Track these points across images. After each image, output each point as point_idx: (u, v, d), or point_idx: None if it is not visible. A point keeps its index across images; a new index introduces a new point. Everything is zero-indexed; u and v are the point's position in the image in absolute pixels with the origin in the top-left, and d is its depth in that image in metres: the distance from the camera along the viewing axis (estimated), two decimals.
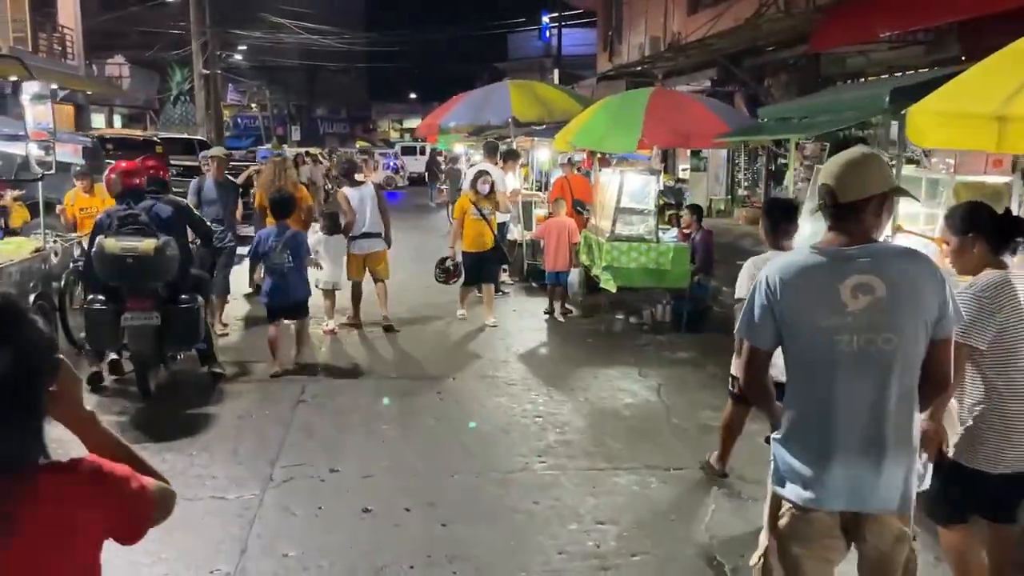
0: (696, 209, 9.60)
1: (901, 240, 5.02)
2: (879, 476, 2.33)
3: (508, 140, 11.41)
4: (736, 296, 4.42)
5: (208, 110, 22.25)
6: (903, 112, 4.14)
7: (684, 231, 9.22)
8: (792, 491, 2.41)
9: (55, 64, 20.48)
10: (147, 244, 5.63)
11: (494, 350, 7.75)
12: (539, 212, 11.04)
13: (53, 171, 7.25)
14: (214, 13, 25.16)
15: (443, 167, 25.32)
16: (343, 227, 7.98)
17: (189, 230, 6.49)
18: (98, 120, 37.46)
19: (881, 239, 2.55)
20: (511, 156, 10.21)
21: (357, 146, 47.17)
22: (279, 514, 4.37)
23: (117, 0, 30.53)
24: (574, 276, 9.90)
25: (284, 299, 6.71)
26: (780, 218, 4.35)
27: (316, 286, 7.63)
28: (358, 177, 9.04)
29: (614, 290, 8.36)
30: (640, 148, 8.60)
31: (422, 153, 35.49)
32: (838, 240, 2.39)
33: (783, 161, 16.57)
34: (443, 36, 46.81)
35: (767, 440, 2.57)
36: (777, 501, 2.49)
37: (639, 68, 19.11)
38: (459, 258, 8.86)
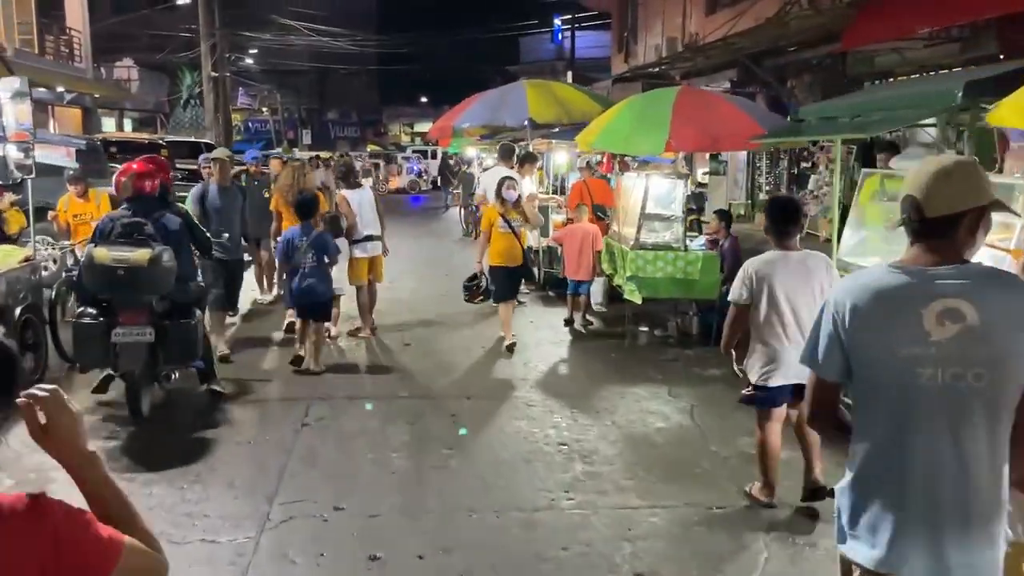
0: (724, 215, 9.07)
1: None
2: (961, 548, 1.97)
3: (524, 142, 10.92)
4: (730, 298, 4.37)
5: (217, 113, 21.85)
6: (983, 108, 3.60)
7: (711, 238, 8.70)
8: (861, 551, 2.07)
9: (62, 67, 20.14)
10: (140, 255, 5.15)
11: (512, 365, 7.24)
12: (556, 217, 10.54)
13: (32, 175, 6.78)
14: (224, 15, 24.85)
15: (455, 170, 24.89)
16: (345, 230, 7.72)
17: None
18: (108, 124, 37.21)
19: (974, 259, 2.08)
20: (528, 160, 9.71)
21: (368, 149, 46.88)
22: (276, 562, 3.86)
23: (127, 3, 30.30)
24: (597, 286, 9.38)
25: (308, 298, 6.79)
26: (780, 218, 4.24)
27: None
28: (372, 181, 8.63)
29: (639, 301, 7.84)
30: (667, 151, 8.08)
31: (433, 157, 35.06)
32: (923, 259, 2.04)
33: (806, 165, 16.02)
34: (454, 39, 46.46)
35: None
36: (847, 564, 2.13)
37: (656, 69, 18.59)
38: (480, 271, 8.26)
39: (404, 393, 6.44)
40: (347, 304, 8.45)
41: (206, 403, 6.06)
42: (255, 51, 41.41)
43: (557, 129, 10.88)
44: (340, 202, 7.98)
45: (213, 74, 21.46)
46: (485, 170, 12.83)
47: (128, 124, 37.46)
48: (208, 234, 6.12)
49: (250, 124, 49.58)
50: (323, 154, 25.80)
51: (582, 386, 6.73)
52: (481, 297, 8.00)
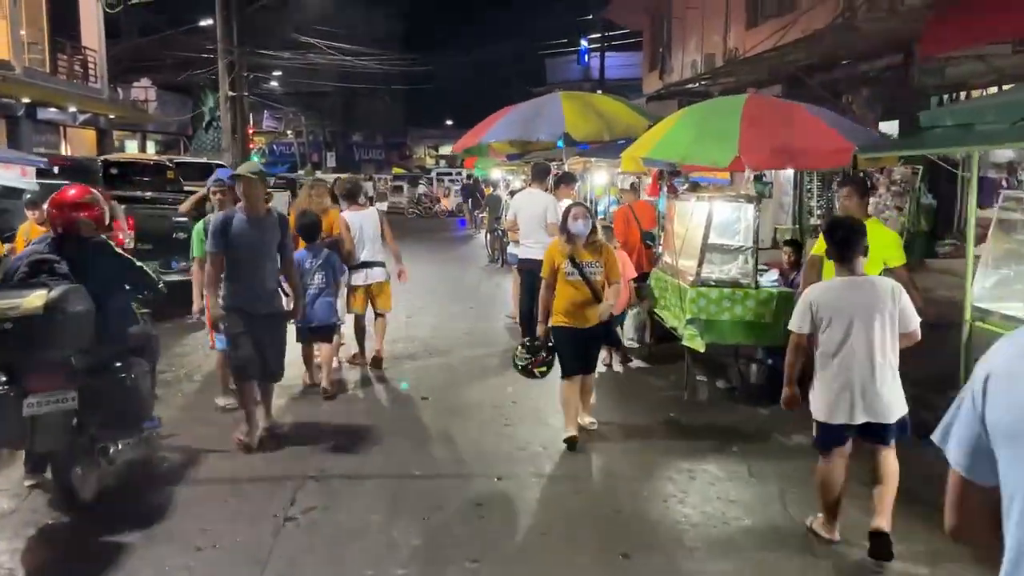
0: (795, 245, 7.72)
1: None
2: None
3: (557, 161, 9.64)
4: (789, 326, 4.09)
5: (235, 134, 20.84)
6: None
7: (782, 269, 7.36)
8: None
9: (75, 87, 19.26)
10: (31, 301, 3.87)
11: (548, 427, 5.87)
12: None
13: None
14: (246, 35, 24.01)
15: (482, 192, 23.72)
16: (343, 256, 7.04)
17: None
18: (131, 146, 36.74)
19: None
20: (566, 180, 8.44)
21: (393, 172, 46.06)
22: None
23: (151, 24, 29.63)
24: (628, 319, 8.10)
25: (313, 319, 6.57)
26: (844, 240, 3.95)
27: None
28: (393, 200, 7.56)
29: (702, 349, 6.46)
30: (733, 167, 6.77)
31: (439, 179, 34.05)
32: None
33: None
34: (480, 60, 45.62)
35: None
36: None
37: (696, 85, 17.30)
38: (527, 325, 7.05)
39: (418, 471, 5.09)
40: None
41: (167, 478, 4.80)
42: (279, 72, 40.80)
43: (586, 147, 9.61)
44: (339, 225, 7.15)
45: (231, 94, 20.48)
46: (512, 192, 11.59)
47: (151, 146, 36.99)
48: (149, 272, 4.85)
49: (275, 147, 49.07)
50: (343, 176, 24.77)
51: (638, 458, 5.37)
52: (543, 368, 5.63)
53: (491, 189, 19.15)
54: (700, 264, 6.55)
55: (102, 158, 12.46)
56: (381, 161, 54.04)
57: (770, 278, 6.94)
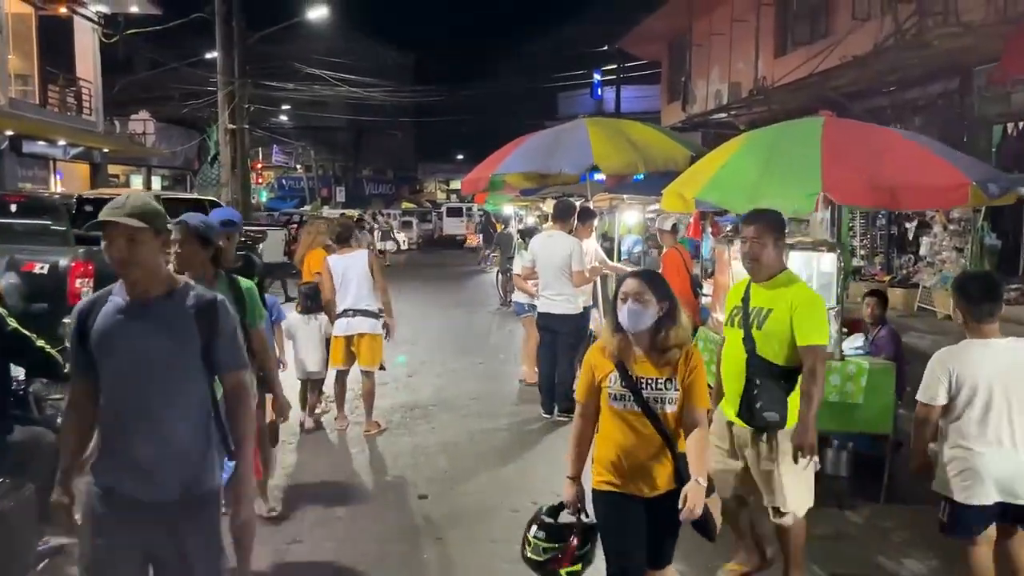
0: (879, 296, 6.33)
1: None
2: None
3: (578, 196, 8.32)
4: (920, 397, 3.49)
5: (234, 169, 19.71)
6: None
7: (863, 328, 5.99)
8: None
9: (66, 119, 18.18)
10: None
11: None
12: None
13: None
14: (249, 65, 23.06)
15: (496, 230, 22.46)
16: (323, 304, 6.52)
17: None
18: (136, 181, 35.82)
19: None
20: (583, 217, 7.16)
21: (402, 207, 44.98)
22: None
23: (163, 57, 28.77)
24: None
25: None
26: (982, 296, 3.46)
27: (297, 377, 6.59)
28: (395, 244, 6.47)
29: None
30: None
31: (468, 214, 32.85)
32: None
33: (908, 225, 13.19)
34: (490, 94, 44.76)
35: None
36: None
37: (723, 116, 16.08)
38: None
39: None
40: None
41: None
42: (287, 106, 39.98)
43: (600, 179, 8.28)
44: (322, 270, 6.53)
45: (230, 126, 19.38)
46: (524, 230, 10.26)
47: (156, 181, 36.05)
48: (46, 348, 3.51)
49: (284, 181, 48.20)
50: (350, 212, 23.57)
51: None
52: (576, 568, 3.11)
53: (503, 226, 17.85)
54: None
55: (77, 194, 11.24)
56: (391, 196, 53.07)
57: (854, 344, 5.53)
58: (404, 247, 31.97)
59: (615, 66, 29.00)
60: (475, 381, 8.57)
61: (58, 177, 18.33)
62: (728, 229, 7.87)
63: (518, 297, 8.38)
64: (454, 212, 34.34)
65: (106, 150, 19.38)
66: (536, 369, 8.43)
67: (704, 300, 7.65)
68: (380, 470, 5.77)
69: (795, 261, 5.56)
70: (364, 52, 42.25)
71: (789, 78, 14.24)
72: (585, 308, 7.11)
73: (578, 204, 7.17)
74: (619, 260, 9.45)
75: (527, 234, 8.61)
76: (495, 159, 7.79)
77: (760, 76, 17.58)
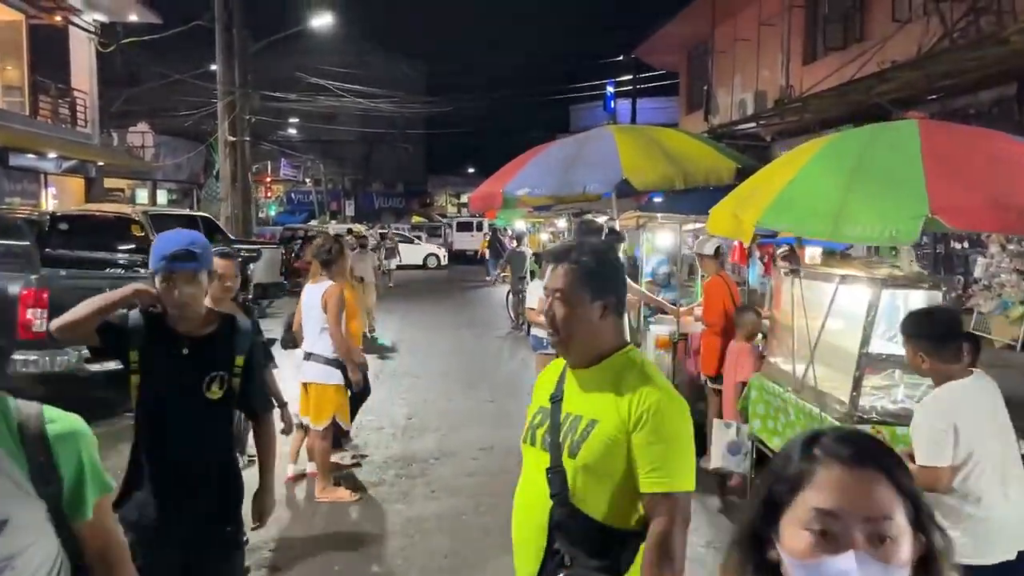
0: (971, 340, 5.16)
1: None
2: None
3: (597, 213, 7.22)
4: (924, 461, 2.93)
5: (235, 182, 18.73)
6: None
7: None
8: None
9: (57, 130, 17.26)
10: None
11: None
12: (661, 330, 6.74)
13: None
14: (255, 76, 22.17)
15: (506, 247, 21.36)
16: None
17: None
18: (142, 195, 35.03)
19: None
20: (614, 239, 6.08)
21: (412, 221, 43.98)
22: None
23: (163, 70, 27.97)
24: (717, 430, 5.56)
25: None
26: (948, 333, 3.12)
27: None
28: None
29: None
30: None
31: (479, 229, 31.79)
32: None
33: (960, 245, 12.00)
34: (501, 106, 43.89)
35: None
36: None
37: (752, 127, 14.96)
38: None
39: None
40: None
41: None
42: (295, 120, 39.19)
43: (629, 197, 7.15)
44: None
45: (231, 138, 18.42)
46: (540, 255, 9.19)
47: (162, 196, 35.22)
48: None
49: (293, 195, 47.38)
50: (357, 227, 22.47)
51: None
52: None
53: (515, 243, 16.74)
54: (856, 389, 4.03)
55: (48, 212, 10.26)
56: (401, 209, 52.18)
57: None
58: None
59: (630, 76, 27.93)
60: (483, 426, 7.45)
61: (50, 191, 17.40)
62: (781, 252, 6.75)
63: (536, 331, 7.27)
64: (464, 227, 33.24)
65: (101, 163, 18.43)
66: None
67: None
68: (363, 557, 4.65)
69: (894, 298, 4.47)
70: (375, 65, 41.49)
71: (822, 85, 13.15)
72: None
73: (608, 227, 6.07)
74: (643, 283, 8.37)
75: (543, 257, 7.52)
76: (507, 173, 6.68)
77: (786, 85, 16.50)
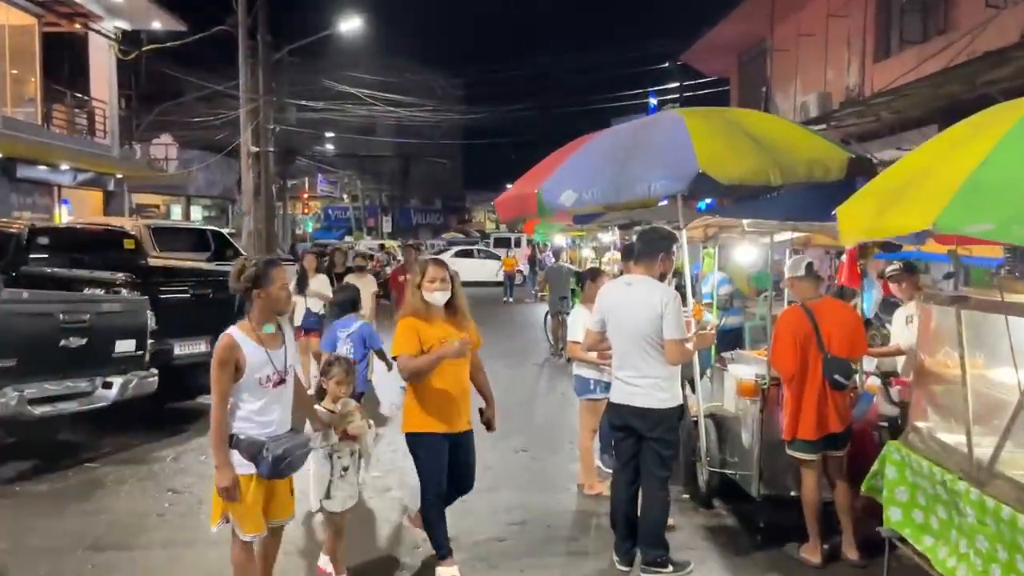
0: None
1: None
2: None
3: (664, 221, 5.64)
4: None
5: (258, 196, 17.55)
6: None
7: None
8: None
9: (73, 141, 16.25)
10: None
11: None
12: (743, 372, 5.13)
13: None
14: (283, 85, 21.20)
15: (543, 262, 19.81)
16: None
17: None
18: (176, 211, 34.32)
19: None
20: (659, 246, 4.59)
21: (448, 236, 42.73)
22: None
23: (196, 80, 27.21)
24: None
25: None
26: None
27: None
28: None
29: None
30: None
31: (516, 245, 30.29)
32: None
33: None
34: (540, 117, 42.56)
35: None
36: None
37: (819, 129, 13.25)
38: None
39: None
40: None
41: None
42: (331, 134, 38.32)
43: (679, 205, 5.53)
44: None
45: (253, 148, 17.26)
46: (584, 272, 7.70)
47: (197, 211, 34.50)
48: None
49: (330, 211, 46.60)
50: (389, 243, 21.20)
51: None
52: None
53: (553, 258, 15.21)
54: None
55: (28, 225, 9.05)
56: (439, 225, 51.06)
57: None
58: None
59: (676, 84, 26.31)
60: (515, 488, 5.89)
61: (64, 205, 16.38)
62: (891, 271, 5.12)
63: (582, 369, 5.74)
64: (502, 242, 31.75)
65: (119, 176, 17.39)
66: (596, 472, 5.77)
67: (871, 378, 4.91)
68: None
69: None
70: (413, 79, 40.47)
71: (900, 83, 11.44)
72: (679, 394, 4.44)
73: (662, 233, 4.49)
74: (691, 305, 6.79)
75: (588, 277, 5.95)
76: (543, 170, 5.11)
77: (852, 86, 14.77)
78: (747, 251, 6.25)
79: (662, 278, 4.47)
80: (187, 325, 8.42)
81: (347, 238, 31.31)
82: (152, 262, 9.97)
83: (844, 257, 4.92)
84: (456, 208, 53.60)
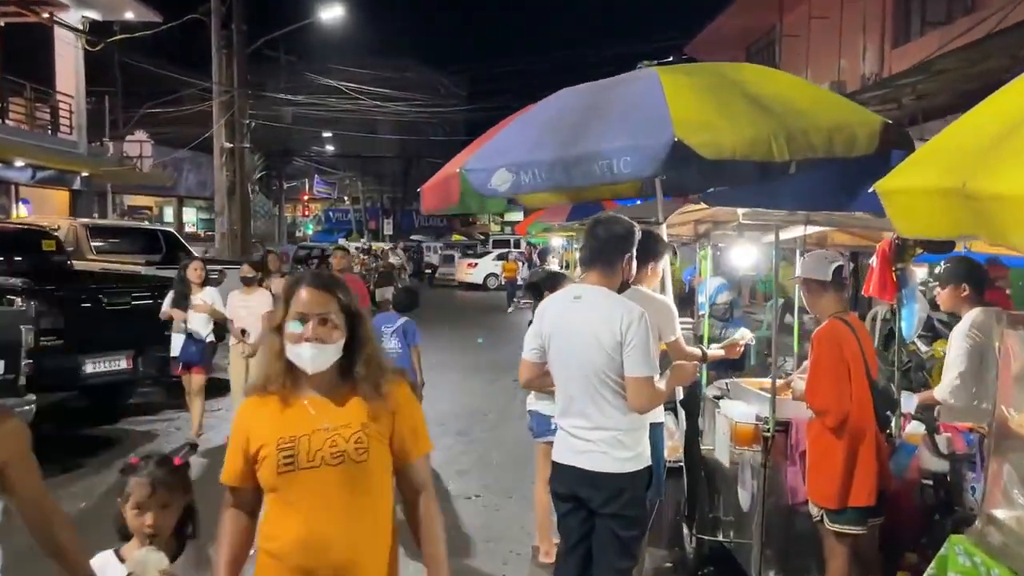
0: None
1: None
2: None
3: (655, 219, 4.35)
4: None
5: (232, 194, 16.37)
6: None
7: None
8: None
9: (31, 136, 15.13)
10: None
11: None
12: (740, 413, 3.86)
13: None
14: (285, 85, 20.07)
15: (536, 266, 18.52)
16: None
17: None
18: (168, 213, 33.26)
19: None
20: (649, 251, 3.38)
21: (453, 240, 41.47)
22: None
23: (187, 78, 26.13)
24: None
25: None
26: None
27: None
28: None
29: None
30: None
31: (516, 247, 29.07)
32: None
33: None
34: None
35: None
36: None
37: None
38: None
39: None
40: None
41: None
42: (328, 134, 37.22)
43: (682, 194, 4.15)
44: None
45: (227, 145, 16.09)
46: (536, 281, 6.48)
47: (191, 213, 33.46)
48: None
49: (331, 214, 45.50)
50: (378, 245, 20.09)
51: None
52: None
53: (540, 261, 13.95)
54: None
55: None
56: (442, 228, 49.78)
57: None
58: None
59: None
60: (455, 549, 4.61)
61: (24, 205, 15.26)
62: (935, 280, 3.82)
63: (541, 403, 4.53)
64: (500, 244, 30.49)
65: (85, 173, 16.24)
66: (553, 535, 4.52)
67: (911, 423, 3.64)
68: None
69: None
70: (413, 78, 39.39)
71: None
72: (657, 424, 3.19)
73: (635, 232, 3.20)
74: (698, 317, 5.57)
75: (546, 286, 4.68)
76: (477, 145, 3.84)
77: (870, 73, 13.47)
78: (747, 253, 4.95)
79: (623, 288, 3.22)
80: (103, 339, 7.23)
81: (340, 240, 30.13)
82: (80, 266, 8.81)
83: (874, 260, 3.63)
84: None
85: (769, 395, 3.63)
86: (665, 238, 3.99)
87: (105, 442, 7.14)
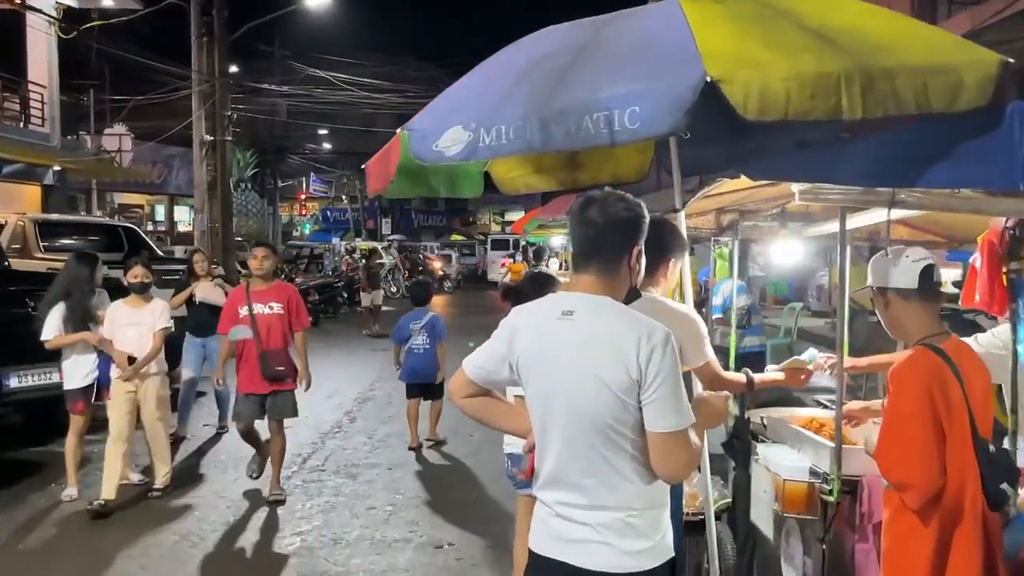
0: None
1: None
2: None
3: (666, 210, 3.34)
4: None
5: (212, 191, 15.39)
6: None
7: None
8: None
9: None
10: None
11: None
12: (789, 465, 2.84)
13: None
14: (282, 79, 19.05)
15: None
16: None
17: None
18: (160, 210, 32.32)
19: None
20: (669, 244, 2.44)
21: (451, 239, 40.53)
22: None
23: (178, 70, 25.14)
24: None
25: (420, 378, 6.60)
26: None
27: None
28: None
29: None
30: None
31: (515, 248, 28.08)
32: None
33: None
34: None
35: None
36: None
37: None
38: None
39: None
40: None
41: None
42: (324, 131, 36.24)
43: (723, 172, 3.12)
44: None
45: (208, 137, 15.11)
46: (512, 284, 5.44)
47: (184, 211, 32.50)
48: None
49: (328, 213, 44.54)
50: (363, 244, 19.14)
51: None
52: None
53: (535, 261, 12.93)
54: None
55: None
56: (442, 227, 48.87)
57: None
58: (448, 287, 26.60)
59: None
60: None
61: None
62: None
63: (514, 445, 3.57)
64: (499, 245, 29.47)
65: (57, 168, 15.25)
66: None
67: None
68: None
69: None
70: (407, 72, 38.37)
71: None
72: (669, 538, 2.16)
73: (644, 215, 2.16)
74: (706, 317, 4.60)
75: (530, 288, 3.68)
76: (432, 113, 2.81)
77: None
78: (791, 249, 3.89)
79: (631, 296, 2.20)
80: (33, 349, 6.24)
81: (334, 239, 29.18)
82: (23, 266, 7.84)
83: (976, 258, 2.62)
84: (459, 209, 51.37)
85: (831, 443, 2.61)
86: (684, 231, 3.00)
87: (34, 467, 6.20)
